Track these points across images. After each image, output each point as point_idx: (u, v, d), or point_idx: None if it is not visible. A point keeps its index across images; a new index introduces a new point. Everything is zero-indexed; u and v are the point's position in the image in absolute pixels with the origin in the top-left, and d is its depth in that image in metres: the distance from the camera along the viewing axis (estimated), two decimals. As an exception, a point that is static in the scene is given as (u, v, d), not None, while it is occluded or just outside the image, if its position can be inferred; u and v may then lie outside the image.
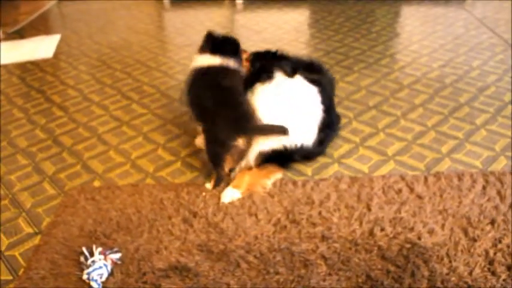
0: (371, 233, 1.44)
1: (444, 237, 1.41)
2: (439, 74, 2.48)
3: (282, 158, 1.71)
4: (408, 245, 1.39)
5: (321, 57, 2.75)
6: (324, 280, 1.30)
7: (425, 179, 1.66)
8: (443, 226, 1.45)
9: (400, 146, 1.90)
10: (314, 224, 1.49)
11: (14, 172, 1.87)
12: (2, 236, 1.55)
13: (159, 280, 1.32)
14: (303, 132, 1.72)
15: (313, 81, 1.79)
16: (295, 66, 1.79)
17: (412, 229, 1.44)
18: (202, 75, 1.73)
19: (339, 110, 2.07)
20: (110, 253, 1.38)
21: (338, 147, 1.90)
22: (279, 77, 1.76)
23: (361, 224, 1.48)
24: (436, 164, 1.78)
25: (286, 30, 3.27)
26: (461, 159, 1.80)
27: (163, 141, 2.02)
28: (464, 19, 3.31)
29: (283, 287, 1.29)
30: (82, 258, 1.38)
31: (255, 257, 1.37)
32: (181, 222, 1.53)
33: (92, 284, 1.30)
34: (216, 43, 1.77)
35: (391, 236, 1.42)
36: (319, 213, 1.53)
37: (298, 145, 1.70)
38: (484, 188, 1.61)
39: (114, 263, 1.37)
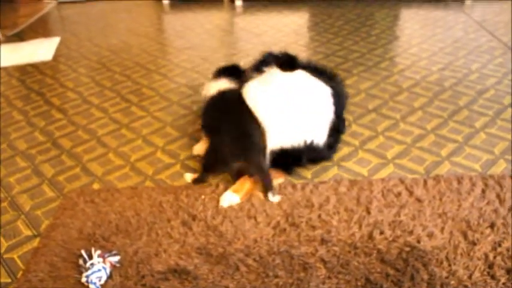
0: (370, 236, 1.44)
1: (443, 241, 1.41)
2: (439, 77, 2.48)
3: (289, 159, 1.70)
4: (407, 248, 1.38)
5: (321, 60, 2.75)
6: (323, 283, 1.29)
7: (425, 182, 1.66)
8: (442, 229, 1.45)
9: (399, 149, 1.90)
10: (313, 227, 1.48)
11: (13, 174, 1.87)
12: (1, 238, 1.54)
13: (158, 283, 1.31)
14: (313, 129, 1.70)
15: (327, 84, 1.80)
16: (292, 61, 1.79)
17: (411, 232, 1.44)
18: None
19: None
20: (109, 256, 1.38)
21: (337, 150, 1.90)
22: (280, 73, 1.75)
23: (360, 227, 1.48)
24: (436, 167, 1.78)
25: (286, 33, 3.27)
26: (460, 162, 1.80)
27: (163, 144, 2.02)
28: (463, 22, 3.32)
29: (282, 290, 1.29)
30: (81, 261, 1.37)
31: (254, 260, 1.37)
32: (181, 225, 1.53)
33: (91, 286, 1.30)
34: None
35: (391, 239, 1.42)
36: (319, 216, 1.53)
37: (308, 142, 1.68)
38: (483, 191, 1.61)
39: (113, 266, 1.37)
